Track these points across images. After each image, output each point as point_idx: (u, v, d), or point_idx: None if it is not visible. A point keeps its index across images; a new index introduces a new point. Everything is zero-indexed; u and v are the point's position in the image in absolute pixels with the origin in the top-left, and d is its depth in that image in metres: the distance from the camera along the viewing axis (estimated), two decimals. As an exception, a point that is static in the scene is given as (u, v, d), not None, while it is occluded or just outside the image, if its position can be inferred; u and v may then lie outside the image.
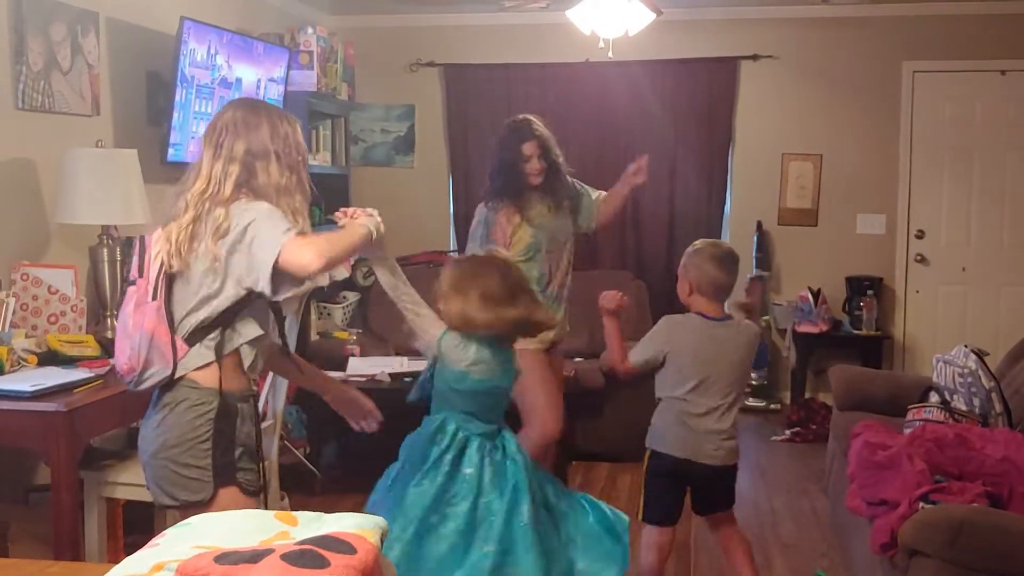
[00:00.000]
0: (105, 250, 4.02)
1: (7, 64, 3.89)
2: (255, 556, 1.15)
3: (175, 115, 4.59)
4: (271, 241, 2.41)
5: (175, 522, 1.47)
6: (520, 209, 4.11)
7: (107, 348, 3.74)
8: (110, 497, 3.60)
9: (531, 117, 4.21)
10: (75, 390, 3.21)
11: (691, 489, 3.46)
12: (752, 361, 3.52)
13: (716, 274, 3.39)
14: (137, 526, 3.88)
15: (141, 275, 2.53)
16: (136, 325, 2.49)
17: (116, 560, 1.40)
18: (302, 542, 1.19)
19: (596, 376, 5.61)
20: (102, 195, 3.87)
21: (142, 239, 2.59)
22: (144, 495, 3.54)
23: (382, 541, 1.28)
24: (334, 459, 5.48)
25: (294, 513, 1.36)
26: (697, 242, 3.55)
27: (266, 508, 2.52)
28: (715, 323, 3.40)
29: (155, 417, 2.54)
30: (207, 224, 2.46)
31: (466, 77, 7.22)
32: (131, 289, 2.56)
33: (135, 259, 2.58)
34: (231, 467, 2.50)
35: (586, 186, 4.43)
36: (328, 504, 4.70)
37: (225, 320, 2.50)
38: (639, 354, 3.43)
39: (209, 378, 2.48)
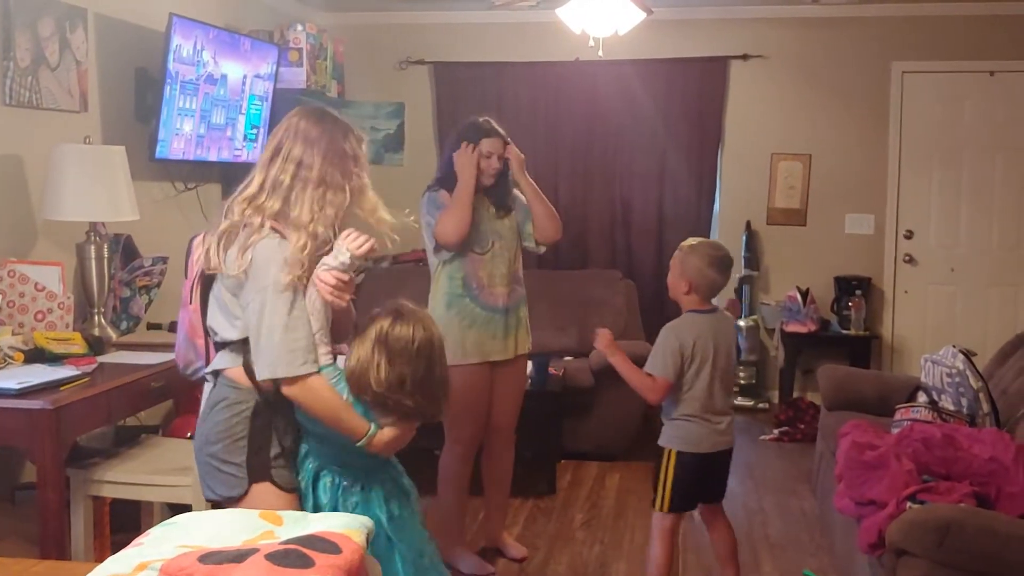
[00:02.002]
0: (92, 247, 4.00)
1: (-6, 60, 3.87)
2: (239, 556, 1.14)
3: (163, 112, 4.57)
4: (275, 341, 2.38)
5: (162, 520, 1.46)
6: None
7: (94, 346, 3.73)
8: (96, 495, 3.58)
9: (493, 121, 4.10)
10: (61, 388, 3.20)
11: (704, 474, 3.58)
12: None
13: (716, 278, 3.52)
14: (124, 524, 3.86)
15: (187, 276, 2.62)
16: (181, 323, 2.65)
17: (102, 559, 1.39)
18: (287, 541, 1.19)
19: (585, 375, 5.61)
20: (89, 192, 3.85)
21: (191, 241, 2.64)
22: (130, 493, 3.55)
23: (368, 541, 1.27)
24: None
25: (279, 512, 1.35)
26: (694, 241, 3.61)
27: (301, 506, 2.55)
28: (709, 315, 3.56)
29: (203, 414, 2.58)
30: (242, 235, 2.44)
31: (456, 75, 7.21)
32: (186, 289, 2.65)
33: (185, 259, 2.67)
34: (266, 463, 2.52)
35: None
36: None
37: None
38: (666, 368, 3.47)
39: (246, 377, 2.50)
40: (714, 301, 3.68)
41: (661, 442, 3.58)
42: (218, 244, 2.46)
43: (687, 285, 3.51)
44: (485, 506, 4.40)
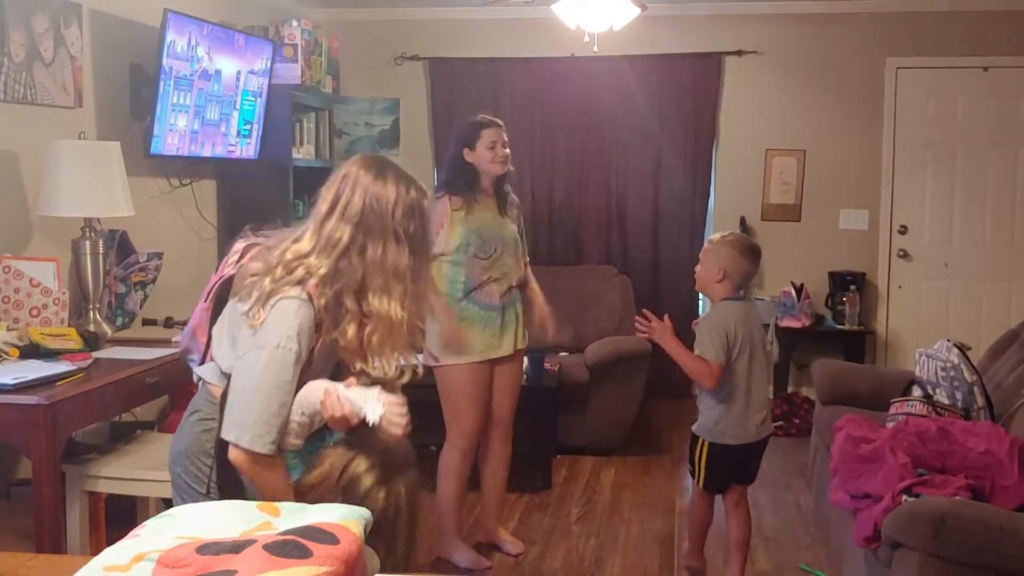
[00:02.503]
0: (88, 243, 3.99)
1: (-12, 55, 3.86)
2: (237, 546, 1.14)
3: (157, 107, 4.56)
4: (254, 408, 2.14)
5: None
6: (464, 202, 4.04)
7: (89, 341, 3.73)
8: (92, 491, 3.58)
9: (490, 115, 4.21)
10: (57, 383, 3.20)
11: (738, 462, 3.73)
12: None
13: (749, 266, 3.72)
14: (120, 520, 3.86)
15: (216, 271, 2.46)
16: (194, 314, 2.47)
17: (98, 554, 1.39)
18: (285, 532, 1.19)
19: (580, 371, 5.62)
20: (85, 187, 3.85)
21: (236, 241, 2.46)
22: (126, 488, 3.55)
23: (366, 532, 1.27)
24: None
25: (277, 504, 1.35)
26: (727, 234, 3.84)
27: None
28: (742, 303, 3.73)
29: (183, 420, 2.49)
30: (265, 289, 2.20)
31: (451, 71, 7.21)
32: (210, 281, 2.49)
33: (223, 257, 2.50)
34: (231, 483, 2.36)
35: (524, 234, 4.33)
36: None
37: None
38: (718, 352, 3.58)
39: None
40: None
41: (695, 429, 3.75)
42: (257, 297, 2.21)
43: (721, 273, 3.65)
44: (481, 501, 4.41)
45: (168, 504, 3.65)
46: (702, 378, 3.61)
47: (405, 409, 2.18)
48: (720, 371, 3.58)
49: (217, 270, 2.47)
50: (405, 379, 2.25)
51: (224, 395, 2.24)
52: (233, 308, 2.31)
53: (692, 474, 3.81)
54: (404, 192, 2.28)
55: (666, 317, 3.75)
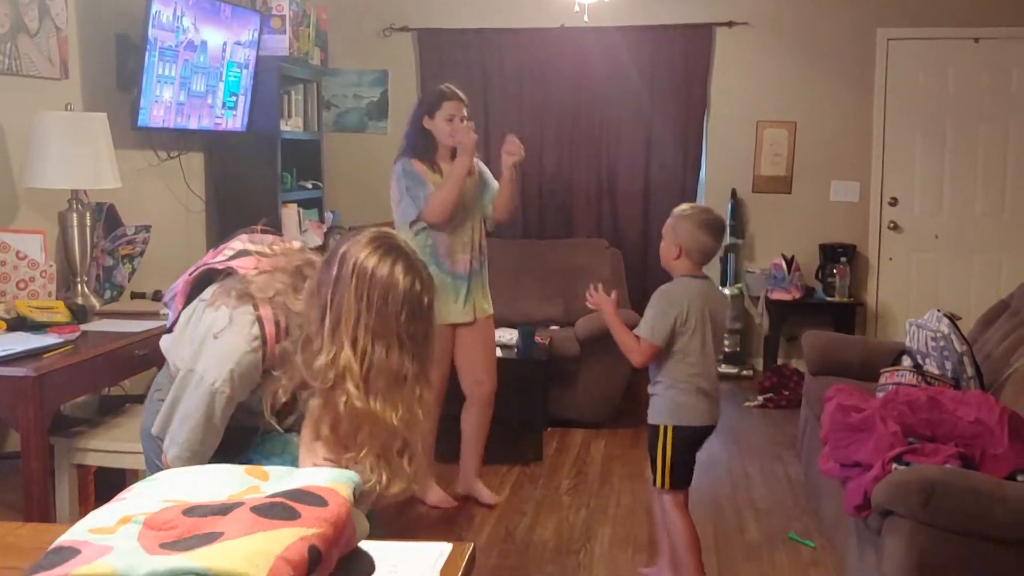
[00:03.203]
0: (75, 215, 3.97)
1: (-29, 25, 3.81)
2: (224, 509, 1.13)
3: (143, 79, 4.52)
4: (184, 431, 2.12)
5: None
6: (430, 168, 4.24)
7: (77, 314, 3.71)
8: (81, 464, 3.57)
9: (455, 87, 4.31)
10: (44, 355, 3.18)
11: (696, 449, 3.56)
12: None
13: (708, 241, 3.46)
14: (109, 493, 3.84)
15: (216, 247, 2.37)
16: (180, 279, 2.37)
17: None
18: (273, 495, 1.18)
19: (570, 344, 5.62)
20: (71, 159, 3.81)
21: (240, 233, 2.35)
22: (115, 461, 3.54)
23: (355, 496, 1.26)
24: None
25: (265, 468, 1.34)
26: (685, 206, 3.58)
27: None
28: (702, 281, 3.50)
29: (147, 398, 2.47)
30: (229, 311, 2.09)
31: (440, 42, 7.16)
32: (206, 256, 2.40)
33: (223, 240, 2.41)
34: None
35: (492, 177, 4.45)
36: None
37: None
38: (654, 332, 3.40)
39: None
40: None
41: (653, 420, 3.50)
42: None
43: (677, 249, 3.45)
44: (461, 457, 4.59)
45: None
46: (630, 354, 3.45)
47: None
48: (651, 352, 3.40)
49: (209, 253, 2.40)
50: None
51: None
52: (201, 309, 2.21)
53: (656, 479, 3.49)
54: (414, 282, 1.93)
55: (614, 294, 3.61)
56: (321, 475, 1.25)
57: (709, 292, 3.51)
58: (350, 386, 1.82)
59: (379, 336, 1.84)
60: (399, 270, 1.87)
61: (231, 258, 2.25)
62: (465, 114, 4.22)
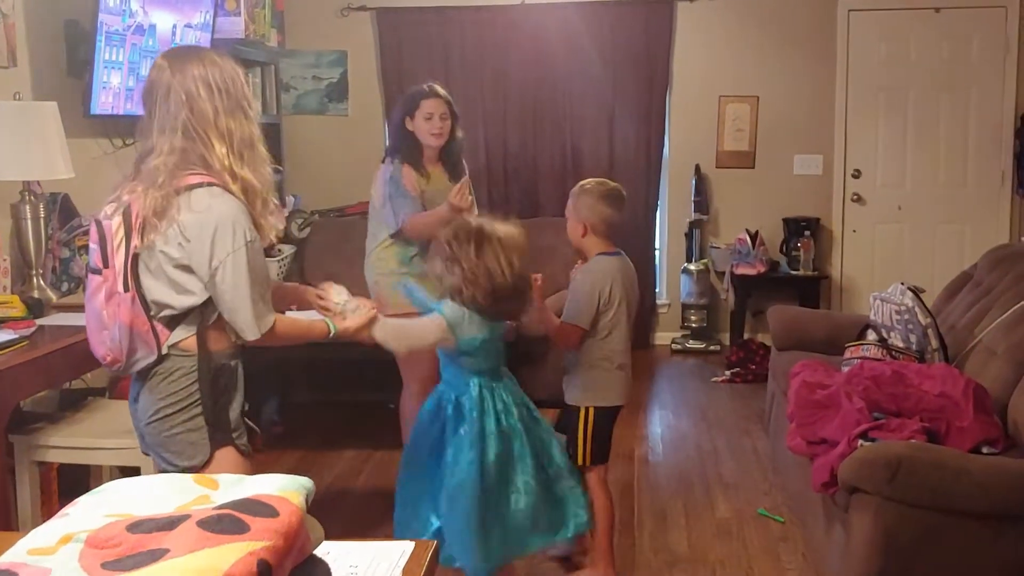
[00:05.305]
0: (28, 207, 3.88)
1: (-86, 14, 3.71)
2: (170, 523, 1.09)
3: (94, 65, 4.42)
4: (243, 299, 2.38)
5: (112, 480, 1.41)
6: (417, 172, 4.11)
7: (33, 308, 3.63)
8: (42, 461, 3.52)
9: (436, 85, 4.17)
10: (0, 352, 3.11)
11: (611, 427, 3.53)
12: None
13: (609, 212, 3.40)
14: (74, 489, 3.79)
15: (107, 265, 2.37)
16: (112, 317, 2.38)
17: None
18: (221, 506, 1.14)
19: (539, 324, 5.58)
20: (22, 150, 3.72)
21: (99, 225, 2.42)
22: (78, 457, 3.49)
23: (308, 502, 1.23)
24: (274, 415, 5.41)
25: (215, 476, 1.30)
26: (583, 182, 3.54)
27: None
28: (617, 258, 3.44)
29: (148, 384, 2.46)
30: (171, 207, 2.36)
31: (400, 21, 7.07)
32: (96, 279, 2.41)
33: (96, 247, 2.42)
34: (226, 429, 2.49)
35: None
36: (269, 461, 4.64)
37: (203, 304, 2.42)
38: (580, 315, 3.36)
39: (196, 344, 2.43)
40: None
41: (572, 401, 3.48)
42: (152, 220, 2.33)
43: (583, 227, 3.40)
44: None
45: (124, 472, 3.60)
46: (556, 339, 3.43)
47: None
48: (577, 335, 3.36)
49: (107, 263, 2.38)
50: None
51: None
52: (159, 262, 2.36)
53: (576, 456, 3.42)
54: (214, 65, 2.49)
55: (539, 278, 3.35)
56: (272, 483, 1.21)
57: (626, 268, 3.45)
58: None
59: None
60: (218, 58, 2.49)
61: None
62: (446, 111, 4.08)
